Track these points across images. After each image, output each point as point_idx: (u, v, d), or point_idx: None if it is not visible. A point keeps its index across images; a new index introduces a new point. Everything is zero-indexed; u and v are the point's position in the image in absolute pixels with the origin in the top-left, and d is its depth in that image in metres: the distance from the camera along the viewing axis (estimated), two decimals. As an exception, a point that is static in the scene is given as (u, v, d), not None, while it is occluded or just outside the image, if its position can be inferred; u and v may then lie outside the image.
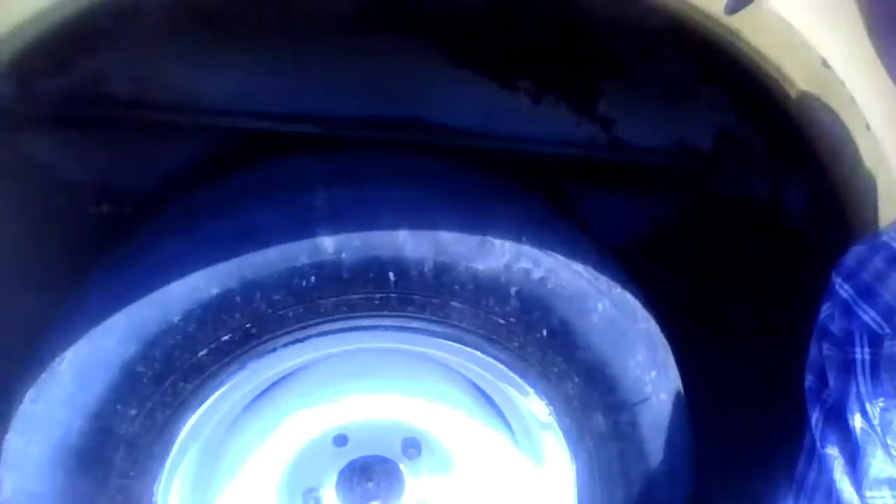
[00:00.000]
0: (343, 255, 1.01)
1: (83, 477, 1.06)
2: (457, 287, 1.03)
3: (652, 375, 1.13)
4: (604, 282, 1.09)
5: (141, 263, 1.05)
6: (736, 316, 1.44)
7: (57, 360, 1.04)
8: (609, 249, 1.17)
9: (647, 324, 1.13)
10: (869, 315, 0.77)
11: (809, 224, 1.30)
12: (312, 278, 1.01)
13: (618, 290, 1.11)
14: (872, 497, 0.74)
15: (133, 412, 1.04)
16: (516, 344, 1.08)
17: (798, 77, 0.94)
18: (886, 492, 0.74)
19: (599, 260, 1.11)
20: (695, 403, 1.20)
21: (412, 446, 1.23)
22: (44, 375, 1.04)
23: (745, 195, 1.39)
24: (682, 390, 1.18)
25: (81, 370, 1.03)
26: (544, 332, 1.07)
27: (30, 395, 1.05)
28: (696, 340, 1.31)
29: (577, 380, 1.10)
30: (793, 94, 0.95)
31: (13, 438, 1.06)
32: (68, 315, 1.07)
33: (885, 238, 0.82)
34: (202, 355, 1.03)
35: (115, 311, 1.02)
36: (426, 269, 1.02)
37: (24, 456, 1.06)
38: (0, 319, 1.25)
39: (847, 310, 0.79)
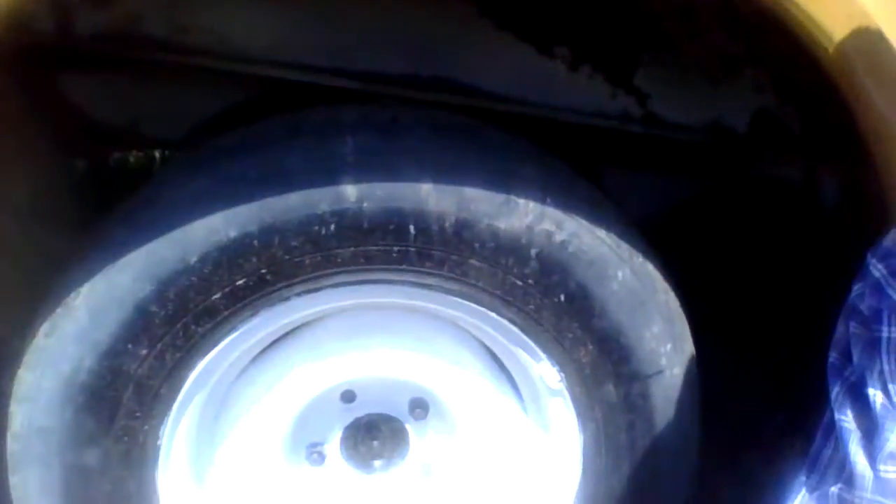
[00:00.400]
0: (365, 205, 1.00)
1: (91, 414, 1.06)
2: (477, 245, 1.02)
3: (667, 348, 1.12)
4: (625, 250, 1.08)
5: (161, 203, 1.05)
6: (760, 301, 1.43)
7: (72, 295, 1.03)
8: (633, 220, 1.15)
9: (666, 296, 1.12)
10: None
11: (843, 209, 1.28)
12: (332, 226, 1.00)
13: (639, 260, 1.09)
14: (886, 471, 0.74)
15: (143, 352, 1.04)
16: (532, 307, 1.07)
17: (849, 48, 0.91)
18: None
19: (623, 228, 1.09)
20: (709, 384, 1.19)
21: (419, 406, 1.23)
22: (59, 310, 1.04)
23: (779, 177, 1.38)
24: (696, 366, 1.17)
25: (95, 306, 1.03)
26: (562, 297, 1.06)
27: (44, 328, 1.05)
28: (716, 323, 1.31)
29: (590, 347, 1.09)
30: (839, 68, 0.93)
31: (25, 373, 1.06)
32: (87, 252, 1.06)
33: None
34: (216, 299, 1.02)
35: (133, 248, 1.02)
36: (447, 224, 1.01)
37: (36, 390, 1.06)
38: (23, 259, 1.25)
39: (878, 289, 0.79)
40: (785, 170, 1.38)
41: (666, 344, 1.12)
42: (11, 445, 1.08)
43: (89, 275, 1.02)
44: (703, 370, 1.18)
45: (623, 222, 1.11)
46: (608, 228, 1.07)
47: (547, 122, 1.24)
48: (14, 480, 1.10)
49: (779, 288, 1.37)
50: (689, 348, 1.15)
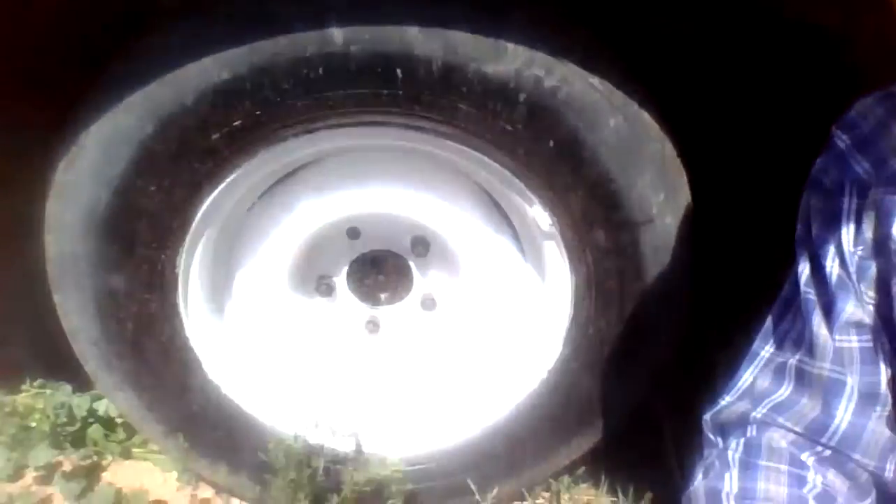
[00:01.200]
0: (351, 48, 1.00)
1: (113, 243, 1.15)
2: (464, 89, 1.02)
3: (660, 198, 1.12)
4: (619, 97, 1.06)
5: (159, 45, 1.07)
6: (772, 154, 1.38)
7: (83, 134, 1.09)
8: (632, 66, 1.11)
9: (661, 144, 1.11)
10: (862, 167, 0.74)
11: (879, 65, 1.19)
12: (320, 69, 1.01)
13: (633, 108, 1.08)
14: (841, 340, 0.74)
15: (152, 188, 1.11)
16: (522, 152, 1.08)
17: None
18: (853, 336, 0.74)
19: (618, 76, 1.07)
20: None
21: (421, 244, 1.28)
22: (73, 148, 1.11)
23: (816, 23, 1.28)
24: (690, 217, 1.17)
25: (105, 145, 1.08)
26: (551, 143, 1.07)
27: (62, 164, 1.12)
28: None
29: (580, 193, 1.11)
30: None
31: (52, 204, 1.15)
32: (95, 92, 1.10)
33: (894, 88, 0.76)
34: (215, 139, 1.07)
35: (135, 89, 1.05)
36: (434, 69, 1.01)
37: (61, 221, 1.15)
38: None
39: (841, 160, 0.75)
40: (822, 14, 1.28)
41: (659, 193, 1.12)
42: (50, 269, 1.19)
43: (98, 114, 1.07)
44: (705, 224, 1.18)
45: (619, 70, 1.08)
46: (602, 76, 1.05)
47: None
48: (57, 299, 1.22)
49: (796, 145, 1.32)
50: (683, 199, 1.15)
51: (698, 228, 1.18)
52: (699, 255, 1.19)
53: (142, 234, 1.14)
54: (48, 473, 1.43)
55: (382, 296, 1.35)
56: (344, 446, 1.34)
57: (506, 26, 1.01)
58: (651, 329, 1.22)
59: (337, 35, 1.00)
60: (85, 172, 1.11)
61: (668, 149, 1.12)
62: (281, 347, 1.36)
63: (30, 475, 1.43)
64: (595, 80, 1.04)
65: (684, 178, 1.15)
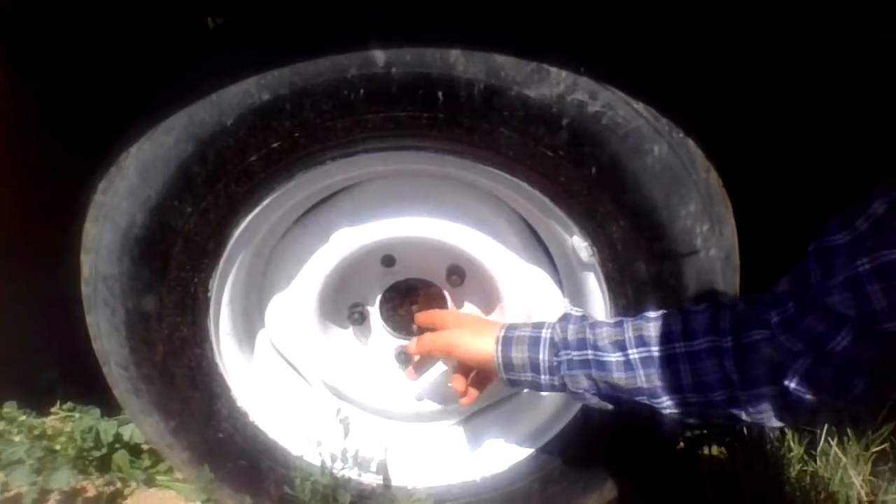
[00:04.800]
0: (393, 70, 0.99)
1: (146, 265, 1.14)
2: (506, 113, 1.01)
3: (704, 228, 1.09)
4: (664, 124, 1.04)
5: (201, 66, 1.07)
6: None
7: (123, 154, 1.10)
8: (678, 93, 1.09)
9: (706, 174, 1.08)
10: None
11: None
12: (361, 91, 1.01)
13: (678, 135, 1.05)
14: None
15: (189, 209, 1.10)
16: (563, 178, 1.05)
17: None
18: None
19: (663, 100, 1.05)
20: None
21: (456, 273, 1.26)
22: (112, 168, 1.11)
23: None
24: (736, 249, 1.13)
25: (143, 165, 1.08)
26: (593, 170, 1.04)
27: (101, 185, 1.12)
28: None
29: (622, 223, 1.08)
30: None
31: (89, 225, 1.15)
32: (137, 113, 1.11)
33: None
34: (253, 160, 1.06)
35: (175, 110, 1.06)
36: (476, 91, 1.00)
37: (98, 241, 1.14)
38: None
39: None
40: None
41: (703, 224, 1.09)
42: (84, 289, 1.19)
43: (138, 135, 1.08)
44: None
45: (665, 96, 1.05)
46: (647, 101, 1.03)
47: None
48: (89, 320, 1.21)
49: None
50: (729, 231, 1.12)
51: (743, 261, 1.15)
52: (743, 288, 1.15)
53: (176, 256, 1.14)
54: (71, 498, 1.41)
55: (415, 326, 1.32)
56: (371, 480, 1.30)
57: (549, 50, 1.00)
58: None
59: (379, 56, 0.99)
60: (123, 193, 1.11)
61: (714, 178, 1.09)
62: (310, 375, 1.34)
63: (53, 499, 1.41)
64: (640, 106, 1.02)
65: (729, 209, 1.12)
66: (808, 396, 0.84)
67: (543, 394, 1.24)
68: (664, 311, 0.98)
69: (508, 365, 1.05)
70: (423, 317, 1.20)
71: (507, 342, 1.05)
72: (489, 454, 1.30)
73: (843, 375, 0.81)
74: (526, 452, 1.28)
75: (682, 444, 1.54)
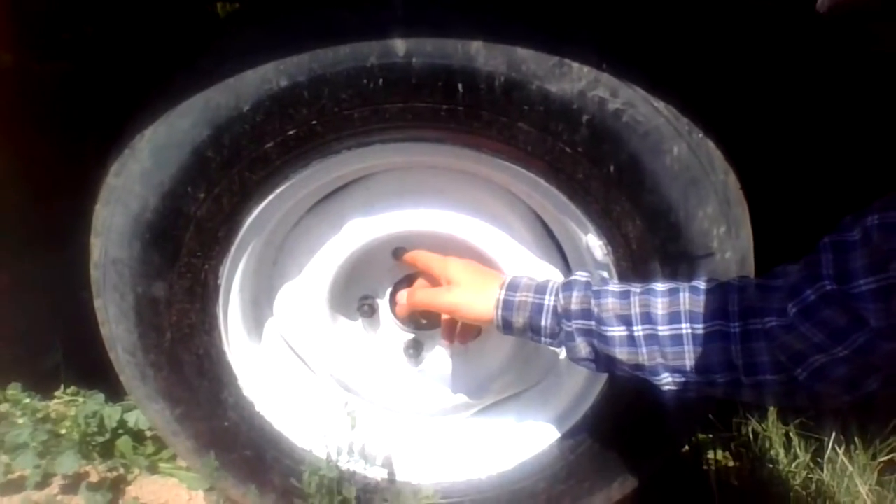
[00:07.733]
0: (413, 60, 0.98)
1: (157, 250, 1.13)
2: (526, 107, 1.00)
3: (720, 231, 1.08)
4: (685, 123, 1.03)
5: (219, 51, 1.06)
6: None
7: (137, 137, 1.09)
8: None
9: (725, 176, 1.07)
10: None
11: None
12: (380, 80, 1.00)
13: (698, 136, 1.04)
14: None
15: (202, 195, 1.09)
16: (581, 176, 1.04)
17: None
18: None
19: (684, 100, 1.04)
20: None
21: (468, 268, 1.24)
22: (126, 151, 1.10)
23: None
24: (751, 252, 1.12)
25: (157, 149, 1.08)
26: (612, 168, 1.03)
27: (113, 168, 1.12)
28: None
29: (638, 222, 1.07)
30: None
31: (100, 208, 1.14)
32: (152, 96, 1.10)
33: None
34: (268, 147, 1.05)
35: (192, 94, 1.05)
36: (496, 84, 0.99)
37: (109, 225, 1.13)
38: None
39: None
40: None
41: (720, 226, 1.08)
42: (93, 273, 1.18)
43: (152, 118, 1.07)
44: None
45: (687, 94, 1.04)
46: (668, 100, 1.02)
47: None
48: (97, 304, 1.20)
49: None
50: (745, 234, 1.11)
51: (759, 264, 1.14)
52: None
53: (187, 242, 1.13)
54: (74, 483, 1.41)
55: (424, 320, 1.31)
56: (377, 474, 1.29)
57: (572, 45, 0.99)
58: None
59: (399, 46, 0.98)
60: (135, 176, 1.10)
61: (732, 180, 1.08)
62: (318, 367, 1.33)
63: (56, 483, 1.41)
64: (661, 105, 1.01)
65: (747, 212, 1.11)
66: (818, 389, 0.84)
67: (553, 390, 1.23)
68: (672, 286, 0.96)
69: (508, 327, 1.05)
70: (411, 257, 1.19)
71: (507, 306, 1.04)
72: (496, 452, 1.29)
73: (859, 374, 0.80)
74: (533, 451, 1.27)
75: (687, 448, 1.53)
